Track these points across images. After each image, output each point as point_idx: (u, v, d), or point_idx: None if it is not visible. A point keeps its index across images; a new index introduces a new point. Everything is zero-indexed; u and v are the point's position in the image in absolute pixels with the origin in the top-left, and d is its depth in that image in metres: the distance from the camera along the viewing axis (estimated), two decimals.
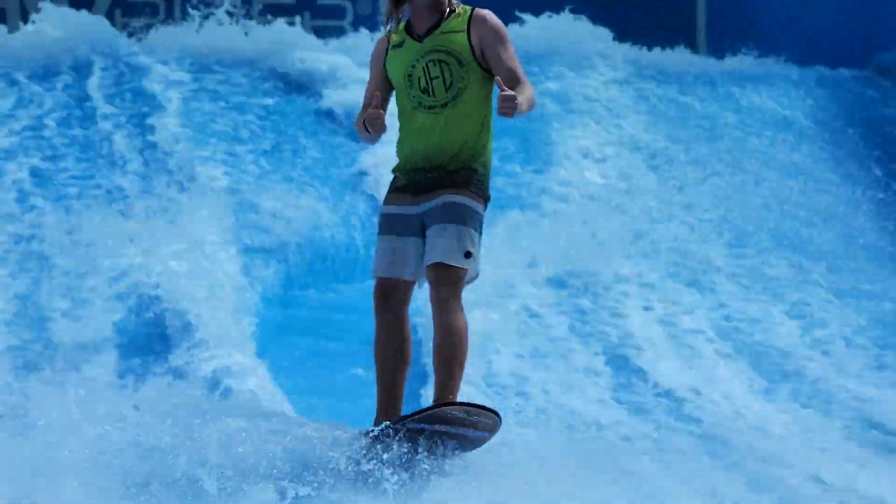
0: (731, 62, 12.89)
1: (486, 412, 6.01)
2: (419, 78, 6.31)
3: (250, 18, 12.83)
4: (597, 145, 10.97)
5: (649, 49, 12.98)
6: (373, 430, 5.80)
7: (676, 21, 14.45)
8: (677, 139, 11.19)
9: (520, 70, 6.25)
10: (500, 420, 6.08)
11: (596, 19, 12.66)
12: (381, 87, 6.46)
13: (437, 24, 6.33)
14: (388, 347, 6.25)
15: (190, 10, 12.50)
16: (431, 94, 6.28)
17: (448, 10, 6.34)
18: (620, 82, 12.00)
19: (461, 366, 6.09)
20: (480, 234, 6.23)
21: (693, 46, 14.31)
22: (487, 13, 6.32)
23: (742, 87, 12.19)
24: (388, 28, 6.45)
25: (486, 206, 6.29)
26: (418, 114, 6.29)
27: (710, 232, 9.92)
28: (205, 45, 11.96)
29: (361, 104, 6.50)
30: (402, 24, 6.42)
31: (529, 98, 6.13)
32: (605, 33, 12.64)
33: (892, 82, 12.09)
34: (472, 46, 6.28)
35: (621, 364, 8.10)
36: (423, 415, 5.87)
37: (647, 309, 8.84)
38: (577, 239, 9.53)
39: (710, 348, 8.37)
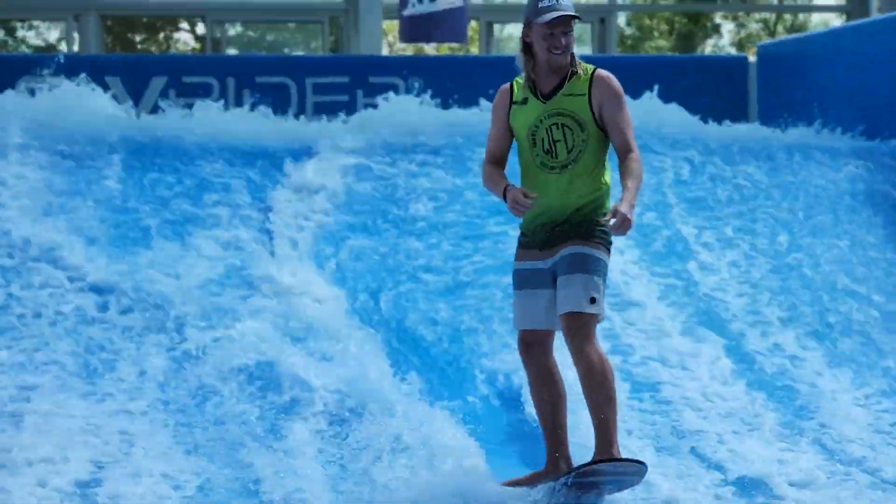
0: (783, 135, 12.85)
1: (635, 464, 6.48)
2: (543, 139, 6.64)
3: None
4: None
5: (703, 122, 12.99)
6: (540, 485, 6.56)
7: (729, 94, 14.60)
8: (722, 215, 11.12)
9: (631, 137, 6.58)
10: (647, 468, 6.53)
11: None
12: (504, 138, 6.82)
13: (561, 85, 6.63)
14: (542, 394, 6.76)
15: None
16: (554, 156, 6.62)
17: (571, 70, 6.63)
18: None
19: (610, 403, 6.49)
20: (605, 280, 6.62)
21: (746, 119, 14.41)
22: (607, 76, 6.63)
23: (792, 159, 12.14)
24: (519, 78, 6.75)
25: (609, 253, 6.67)
26: (541, 173, 6.64)
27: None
28: None
29: (485, 150, 6.89)
30: (524, 79, 6.72)
31: (637, 181, 6.49)
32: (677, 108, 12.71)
33: None
34: (592, 111, 6.59)
35: None
36: (582, 471, 6.43)
37: None
38: None
39: None
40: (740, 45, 31.80)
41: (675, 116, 12.40)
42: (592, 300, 6.50)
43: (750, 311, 9.70)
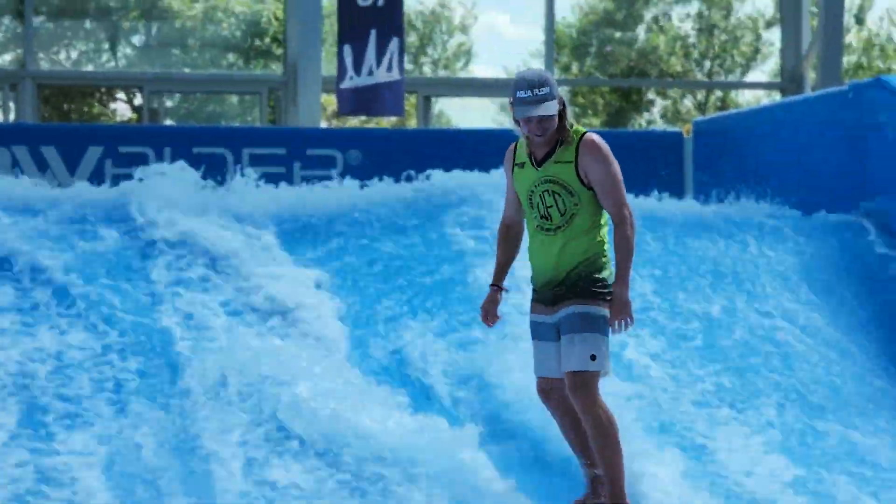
0: (717, 208, 12.93)
1: None
2: (538, 204, 7.06)
3: None
4: None
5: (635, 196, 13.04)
6: None
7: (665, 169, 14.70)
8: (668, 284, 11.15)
9: (619, 199, 6.93)
10: None
11: None
12: (515, 198, 7.31)
13: (552, 152, 7.01)
14: (568, 431, 7.29)
15: None
16: (549, 219, 7.02)
17: (560, 138, 7.00)
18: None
19: (617, 454, 6.98)
20: (606, 333, 6.99)
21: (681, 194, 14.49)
22: (592, 142, 6.97)
23: (728, 232, 12.20)
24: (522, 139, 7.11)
25: (609, 306, 7.00)
26: (538, 235, 7.09)
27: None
28: None
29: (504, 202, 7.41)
30: (525, 144, 7.11)
31: (626, 255, 6.91)
32: None
33: (878, 228, 12.17)
34: (580, 177, 6.95)
35: None
36: None
37: None
38: None
39: None
40: (673, 121, 32.09)
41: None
42: (593, 357, 6.92)
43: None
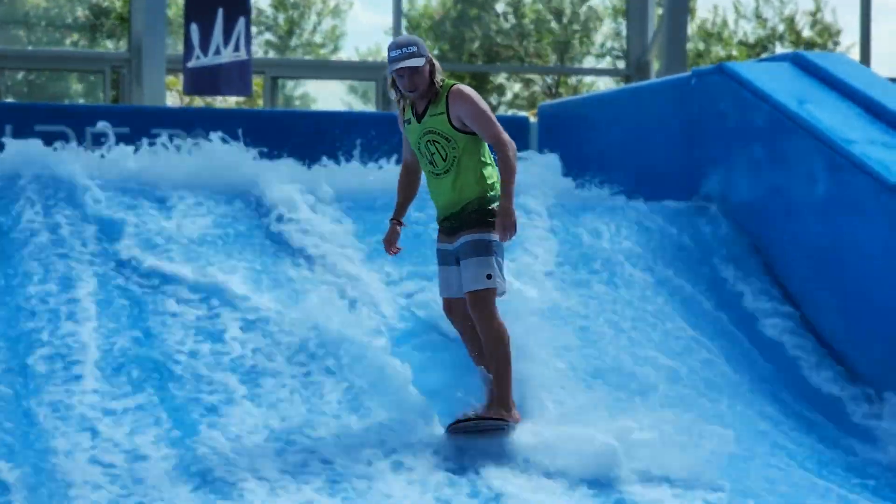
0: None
1: (501, 421, 7.97)
2: (424, 153, 8.07)
3: None
4: None
5: None
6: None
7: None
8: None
9: (494, 132, 7.85)
10: (514, 425, 8.03)
11: None
12: (409, 147, 8.32)
13: (427, 106, 8.01)
14: (469, 340, 8.29)
15: None
16: (435, 165, 8.04)
17: (433, 92, 7.98)
18: None
19: (505, 365, 8.01)
20: (501, 255, 8.03)
21: None
22: (457, 91, 7.95)
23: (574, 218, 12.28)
24: (399, 105, 8.17)
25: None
26: (431, 178, 8.13)
27: None
28: None
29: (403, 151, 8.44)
30: (408, 102, 8.12)
31: (510, 174, 7.76)
32: None
33: (717, 208, 12.37)
34: (452, 124, 7.92)
35: None
36: (465, 426, 7.99)
37: None
38: None
39: None
40: (531, 105, 32.34)
41: None
42: (488, 276, 7.91)
43: None
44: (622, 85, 25.53)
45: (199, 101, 24.77)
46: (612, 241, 11.75)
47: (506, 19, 31.41)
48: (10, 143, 10.66)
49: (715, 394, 9.67)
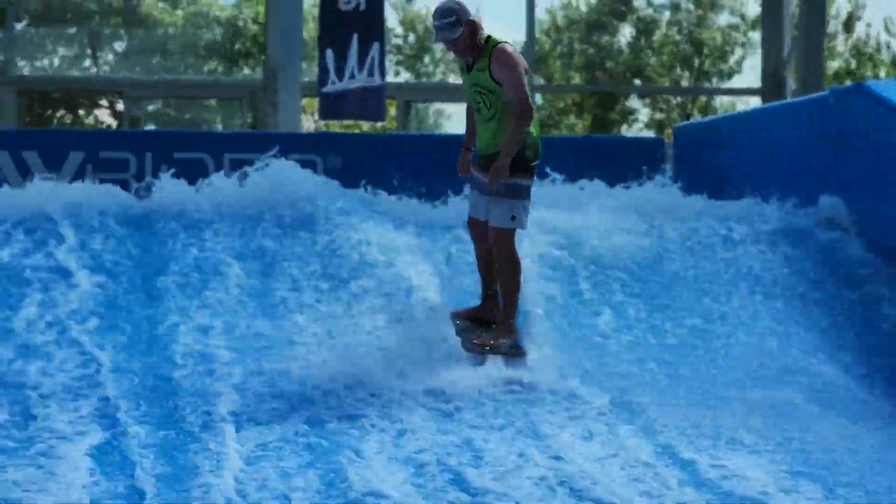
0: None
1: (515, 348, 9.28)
2: (473, 99, 9.21)
3: None
4: None
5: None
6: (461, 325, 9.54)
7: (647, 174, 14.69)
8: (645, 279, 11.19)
9: (522, 95, 8.84)
10: (525, 353, 9.29)
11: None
12: None
13: (475, 61, 9.05)
14: (480, 252, 9.52)
15: None
16: (481, 112, 9.16)
17: (479, 49, 9.00)
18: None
19: (514, 291, 9.23)
20: (526, 198, 9.15)
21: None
22: (498, 51, 8.95)
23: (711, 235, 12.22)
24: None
25: (531, 175, 9.16)
26: (479, 122, 9.25)
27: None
28: None
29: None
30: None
31: (513, 134, 8.84)
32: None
33: (850, 232, 12.21)
34: (492, 78, 8.98)
35: None
36: (481, 347, 9.23)
37: None
38: None
39: None
40: (660, 127, 32.17)
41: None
42: (513, 218, 9.05)
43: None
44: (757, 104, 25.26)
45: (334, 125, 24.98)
46: (760, 261, 11.70)
47: (637, 40, 31.26)
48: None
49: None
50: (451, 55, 9.60)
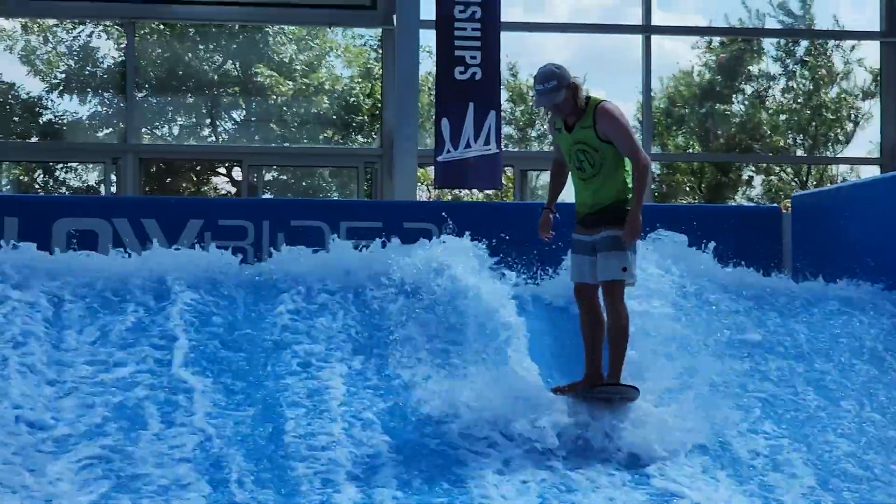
0: (817, 287, 12.79)
1: (631, 389, 9.37)
2: (574, 159, 9.36)
3: None
4: None
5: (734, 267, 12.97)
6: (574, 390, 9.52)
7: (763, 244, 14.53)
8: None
9: (635, 149, 9.13)
10: (639, 392, 9.38)
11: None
12: (558, 148, 9.67)
13: (576, 122, 9.26)
14: (587, 324, 9.53)
15: None
16: (583, 170, 9.32)
17: (581, 109, 9.21)
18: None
19: (624, 343, 9.34)
20: (634, 251, 9.30)
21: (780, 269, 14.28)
22: (603, 110, 9.18)
23: (827, 312, 12.07)
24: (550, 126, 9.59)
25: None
26: (577, 180, 9.41)
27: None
28: None
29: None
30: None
31: (639, 187, 9.12)
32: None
33: None
34: (598, 137, 9.19)
35: None
36: (595, 392, 9.37)
37: None
38: None
39: None
40: (772, 196, 31.83)
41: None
42: (623, 269, 9.20)
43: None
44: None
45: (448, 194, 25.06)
46: (870, 336, 11.52)
47: (754, 108, 31.05)
48: None
49: None
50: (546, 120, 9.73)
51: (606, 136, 9.16)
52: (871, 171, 25.40)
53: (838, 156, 31.62)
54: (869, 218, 14.19)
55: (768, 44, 29.18)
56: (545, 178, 28.51)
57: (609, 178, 9.21)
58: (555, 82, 9.10)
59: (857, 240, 14.05)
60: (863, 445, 9.87)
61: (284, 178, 25.36)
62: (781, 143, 31.22)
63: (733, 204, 29.80)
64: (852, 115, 31.74)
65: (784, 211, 16.32)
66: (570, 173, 9.70)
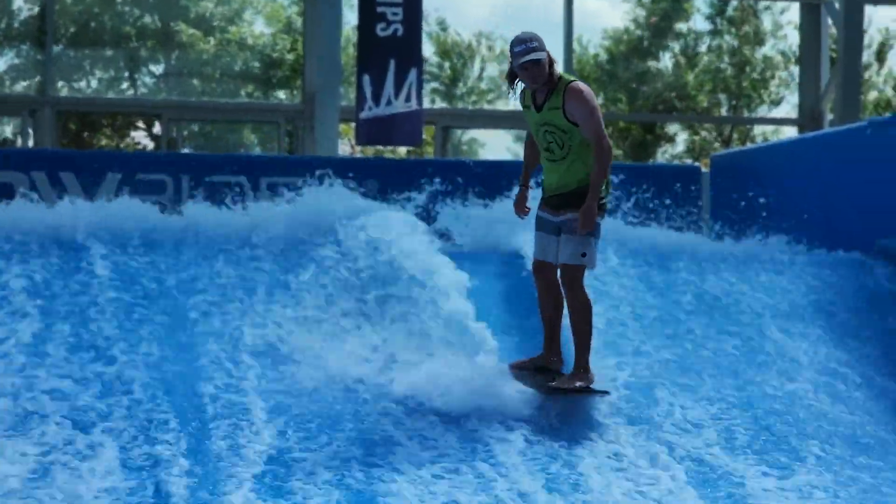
0: (733, 246, 12.87)
1: (603, 393, 9.09)
2: (541, 140, 8.95)
3: None
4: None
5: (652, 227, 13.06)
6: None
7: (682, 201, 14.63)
8: (676, 313, 11.13)
9: (600, 134, 8.69)
10: (609, 393, 9.15)
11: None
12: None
13: (546, 99, 8.84)
14: (547, 302, 9.20)
15: None
16: (552, 152, 8.92)
17: (552, 86, 8.77)
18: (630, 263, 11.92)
19: (588, 332, 8.97)
20: (597, 236, 8.92)
21: (698, 227, 14.41)
22: (573, 89, 8.75)
23: (743, 269, 12.14)
24: (513, 95, 9.10)
25: (603, 214, 8.92)
26: (547, 161, 9.00)
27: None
28: None
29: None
30: (527, 90, 8.96)
31: (597, 177, 8.65)
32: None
33: (891, 264, 12.09)
34: (567, 118, 8.77)
35: None
36: (557, 390, 8.96)
37: None
38: None
39: None
40: (697, 154, 32.06)
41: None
42: (583, 255, 8.80)
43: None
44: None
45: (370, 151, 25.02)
46: (784, 293, 11.60)
47: (679, 68, 31.20)
48: None
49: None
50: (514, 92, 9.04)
51: (573, 116, 8.73)
52: (793, 133, 25.61)
53: (757, 116, 31.88)
54: (781, 178, 14.34)
55: (700, 1, 29.27)
56: (470, 134, 28.50)
57: (577, 161, 8.80)
58: (536, 43, 8.64)
59: (770, 199, 14.19)
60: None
61: (205, 133, 25.21)
62: (706, 104, 31.42)
63: (654, 163, 29.97)
64: (777, 77, 31.99)
65: (703, 169, 16.44)
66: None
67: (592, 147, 8.69)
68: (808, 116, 24.10)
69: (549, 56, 8.76)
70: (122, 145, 25.82)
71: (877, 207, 12.53)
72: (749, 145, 27.21)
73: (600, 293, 10.94)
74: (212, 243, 10.94)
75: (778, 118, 30.83)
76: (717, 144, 32.30)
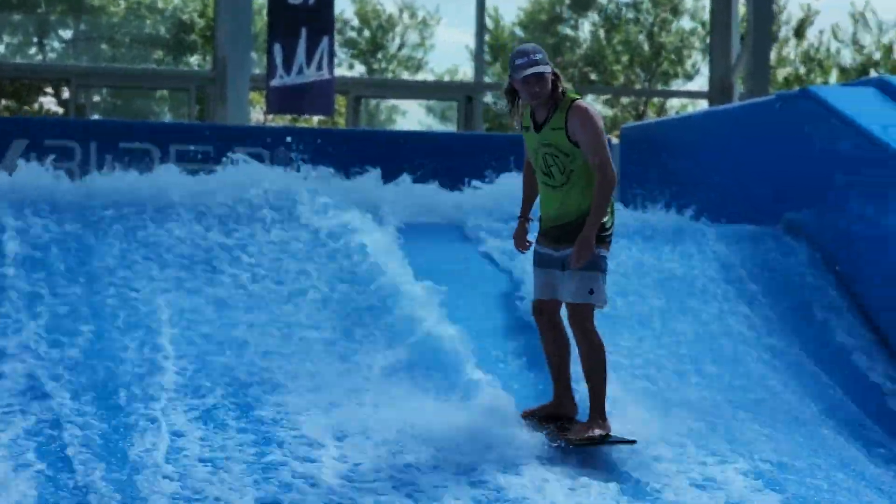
0: (641, 217, 12.94)
1: (628, 442, 8.09)
2: (541, 164, 8.03)
3: None
4: None
5: None
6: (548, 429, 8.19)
7: None
8: None
9: (605, 161, 7.80)
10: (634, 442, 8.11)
11: None
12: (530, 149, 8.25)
13: (547, 119, 7.97)
14: (552, 344, 8.35)
15: None
16: (551, 176, 7.98)
17: (554, 103, 7.93)
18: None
19: (601, 374, 8.06)
20: (604, 271, 8.02)
21: None
22: (578, 110, 7.87)
23: (649, 241, 12.21)
24: (513, 118, 8.24)
25: (608, 247, 8.01)
26: (545, 186, 8.07)
27: None
28: None
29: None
30: (527, 109, 8.11)
31: (598, 208, 7.72)
32: None
33: (798, 239, 12.23)
34: (570, 140, 7.85)
35: None
36: (573, 442, 8.03)
37: None
38: None
39: None
40: (614, 126, 32.28)
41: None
42: (591, 292, 7.95)
43: None
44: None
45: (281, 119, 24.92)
46: (689, 266, 11.69)
47: (595, 40, 31.32)
48: None
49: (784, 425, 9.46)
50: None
51: (576, 136, 7.85)
52: (705, 105, 25.81)
53: (668, 88, 32.08)
54: (691, 151, 14.46)
55: None
56: (378, 105, 28.44)
57: (579, 189, 7.92)
58: (541, 55, 7.88)
59: (679, 172, 14.30)
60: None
61: (114, 100, 24.97)
62: (623, 74, 31.57)
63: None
64: (690, 51, 32.20)
65: (614, 141, 16.53)
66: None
67: (595, 174, 7.85)
68: (717, 89, 24.27)
69: (553, 71, 7.99)
70: (27, 111, 25.51)
71: (785, 181, 12.65)
72: (657, 118, 27.38)
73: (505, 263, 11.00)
74: None
75: (687, 91, 31.07)
76: (632, 120, 32.52)
